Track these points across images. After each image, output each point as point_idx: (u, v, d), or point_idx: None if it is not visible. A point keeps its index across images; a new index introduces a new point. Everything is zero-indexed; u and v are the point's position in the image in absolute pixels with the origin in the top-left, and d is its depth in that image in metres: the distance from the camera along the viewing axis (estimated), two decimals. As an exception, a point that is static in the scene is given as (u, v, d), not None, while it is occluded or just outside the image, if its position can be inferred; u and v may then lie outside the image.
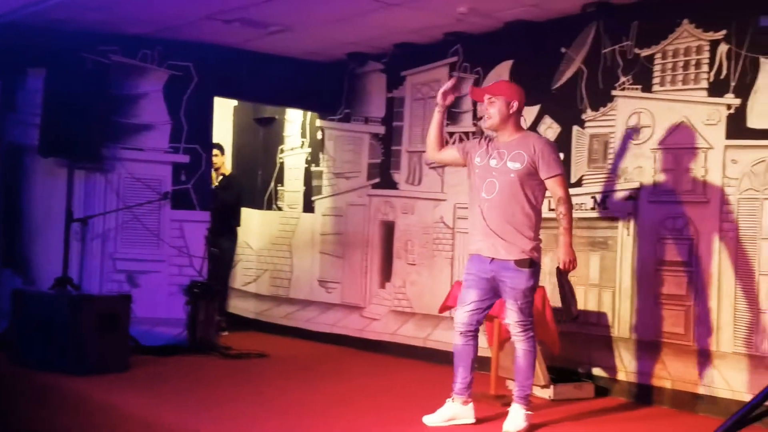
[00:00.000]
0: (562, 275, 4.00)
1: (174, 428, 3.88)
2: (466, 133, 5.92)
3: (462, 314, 4.06)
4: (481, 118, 4.39)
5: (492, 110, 4.04)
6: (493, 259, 3.97)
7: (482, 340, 5.48)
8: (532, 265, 3.94)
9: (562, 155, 5.20)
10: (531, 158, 3.95)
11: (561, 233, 3.97)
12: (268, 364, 5.80)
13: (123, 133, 6.19)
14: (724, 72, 4.51)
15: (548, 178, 3.96)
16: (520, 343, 3.99)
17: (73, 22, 5.73)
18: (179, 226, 6.29)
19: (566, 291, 4.02)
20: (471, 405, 4.10)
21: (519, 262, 3.91)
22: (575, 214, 5.09)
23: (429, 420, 4.04)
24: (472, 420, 4.08)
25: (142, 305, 5.89)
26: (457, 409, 4.05)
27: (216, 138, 6.93)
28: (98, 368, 4.99)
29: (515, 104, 4.03)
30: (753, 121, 4.39)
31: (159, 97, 6.29)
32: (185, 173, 6.31)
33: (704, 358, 4.51)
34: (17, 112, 6.08)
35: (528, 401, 4.01)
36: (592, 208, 5.10)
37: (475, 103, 5.85)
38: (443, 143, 4.25)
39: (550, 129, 5.33)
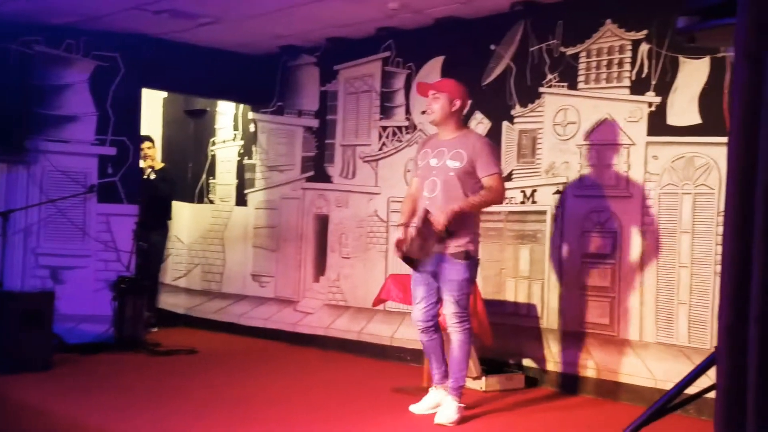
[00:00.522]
0: (426, 221, 3.97)
1: (98, 429, 3.79)
2: (399, 128, 5.96)
3: (416, 312, 4.17)
4: (424, 112, 4.44)
5: (435, 106, 4.12)
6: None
7: (416, 333, 5.57)
8: (468, 258, 4.02)
9: (491, 150, 5.32)
10: (470, 157, 4.03)
11: (464, 199, 3.98)
12: (198, 360, 5.72)
13: (47, 125, 6.01)
14: (646, 71, 4.65)
15: (485, 176, 4.04)
16: (455, 334, 4.04)
17: (-7, 10, 5.53)
18: (106, 219, 6.15)
19: (420, 232, 3.98)
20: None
21: (455, 255, 4.00)
22: (505, 207, 5.21)
23: (416, 408, 4.17)
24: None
25: (66, 302, 5.75)
26: (441, 397, 4.14)
27: (145, 130, 6.80)
28: (20, 367, 4.86)
29: (458, 102, 4.12)
30: (672, 119, 4.55)
31: (84, 88, 6.13)
32: (112, 166, 6.18)
33: (628, 348, 4.66)
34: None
35: (461, 393, 4.07)
36: (522, 202, 5.20)
37: (407, 97, 5.89)
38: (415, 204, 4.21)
39: (480, 124, 5.41)
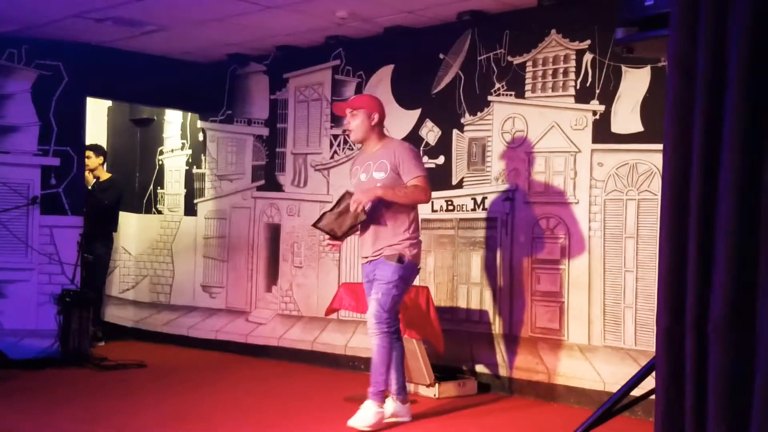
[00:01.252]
0: (344, 198, 4.09)
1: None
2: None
3: None
4: (345, 131, 4.47)
5: (354, 123, 4.15)
6: (370, 260, 4.11)
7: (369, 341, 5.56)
8: (401, 260, 4.03)
9: (442, 158, 5.37)
10: (393, 165, 4.07)
11: (394, 209, 4.05)
12: (146, 374, 5.61)
13: (-13, 136, 5.86)
14: (590, 80, 4.75)
15: (410, 180, 4.07)
16: (373, 338, 4.02)
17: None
18: (49, 231, 6.01)
19: (335, 208, 4.12)
20: (408, 405, 4.21)
21: (388, 257, 4.04)
22: (456, 215, 5.26)
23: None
24: (408, 418, 4.18)
25: (9, 316, 5.64)
26: (395, 408, 4.13)
27: (90, 140, 6.67)
28: (-40, 386, 4.72)
29: (376, 116, 4.15)
30: (616, 126, 4.65)
31: (27, 98, 6.01)
32: (55, 176, 6.04)
33: (577, 351, 4.73)
34: None
35: (381, 398, 4.04)
36: (473, 209, 5.24)
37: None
38: None
39: (431, 132, 5.45)
